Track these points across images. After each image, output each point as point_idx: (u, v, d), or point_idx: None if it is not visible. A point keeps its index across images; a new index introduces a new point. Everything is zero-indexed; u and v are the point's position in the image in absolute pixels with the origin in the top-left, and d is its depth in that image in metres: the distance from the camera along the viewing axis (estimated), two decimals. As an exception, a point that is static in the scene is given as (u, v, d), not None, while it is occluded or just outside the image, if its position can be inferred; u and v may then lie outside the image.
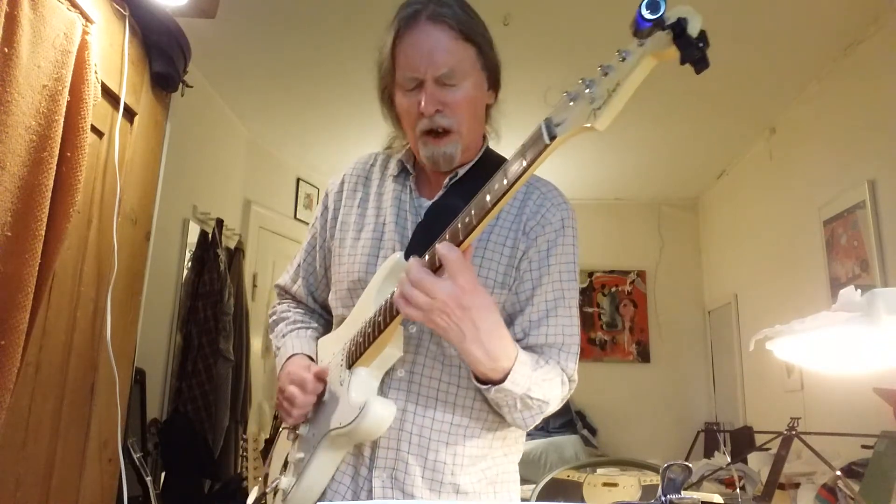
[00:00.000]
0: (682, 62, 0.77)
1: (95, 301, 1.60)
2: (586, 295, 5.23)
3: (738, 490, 2.35)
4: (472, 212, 0.95)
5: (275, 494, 1.23)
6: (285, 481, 1.20)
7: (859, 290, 1.08)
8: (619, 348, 5.17)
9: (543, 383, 1.08)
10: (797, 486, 2.66)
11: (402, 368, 1.14)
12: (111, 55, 1.61)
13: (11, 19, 1.20)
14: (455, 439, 1.13)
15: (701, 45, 0.76)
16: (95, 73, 1.47)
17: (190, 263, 3.44)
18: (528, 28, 3.02)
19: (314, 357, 1.27)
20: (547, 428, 4.42)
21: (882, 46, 2.86)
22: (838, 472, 2.15)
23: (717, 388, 4.91)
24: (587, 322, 5.13)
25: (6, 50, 1.19)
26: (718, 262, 4.96)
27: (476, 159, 1.21)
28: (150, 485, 2.25)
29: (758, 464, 3.07)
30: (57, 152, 1.31)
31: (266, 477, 1.33)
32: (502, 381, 1.01)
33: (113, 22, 1.63)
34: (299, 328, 1.33)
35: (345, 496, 1.14)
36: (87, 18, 1.45)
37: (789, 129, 3.74)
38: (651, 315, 5.23)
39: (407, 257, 1.09)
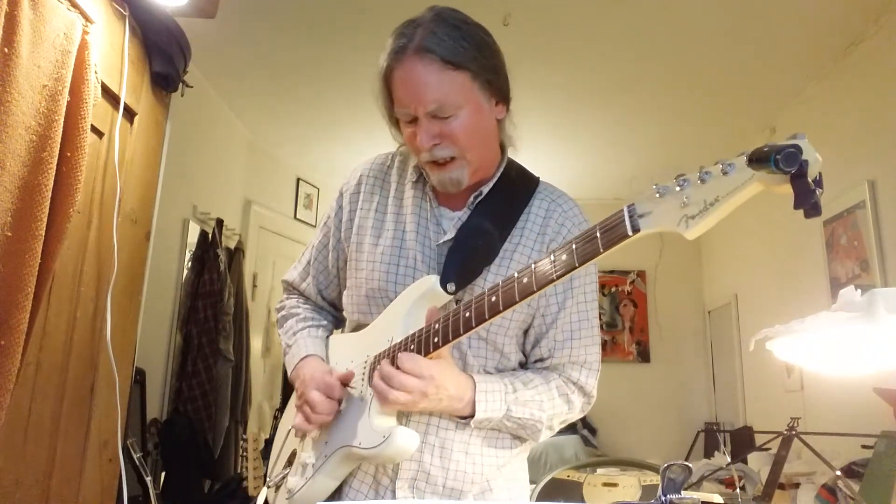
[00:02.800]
0: (796, 206, 0.72)
1: (95, 301, 1.60)
2: (586, 295, 5.23)
3: (738, 490, 2.35)
4: (534, 277, 0.94)
5: (277, 489, 1.23)
6: (293, 480, 1.20)
7: (859, 290, 1.07)
8: (619, 348, 5.17)
9: (529, 403, 1.14)
10: (797, 486, 2.66)
11: None
12: (111, 55, 1.61)
13: (11, 19, 1.20)
14: (475, 449, 1.16)
15: (818, 190, 0.72)
16: (95, 73, 1.46)
17: (190, 263, 3.44)
18: (528, 28, 3.02)
19: (325, 359, 1.27)
20: (547, 428, 4.42)
21: (882, 46, 2.86)
22: (838, 472, 2.15)
23: (717, 388, 4.91)
24: (587, 322, 5.13)
25: (6, 50, 1.19)
26: (718, 262, 4.96)
27: (498, 175, 1.22)
28: (150, 485, 2.25)
29: (758, 464, 3.07)
30: (57, 152, 1.31)
31: (266, 469, 1.33)
32: (473, 413, 1.10)
33: (113, 22, 1.63)
34: (310, 326, 1.33)
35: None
36: (87, 18, 1.45)
37: (789, 129, 3.71)
38: (651, 315, 5.23)
39: (443, 283, 1.10)
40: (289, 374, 1.28)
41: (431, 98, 1.08)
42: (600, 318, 1.26)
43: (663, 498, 0.77)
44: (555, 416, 1.17)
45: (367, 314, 1.22)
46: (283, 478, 1.23)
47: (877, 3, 2.77)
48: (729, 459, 3.22)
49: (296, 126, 4.17)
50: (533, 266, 0.94)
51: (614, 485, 2.74)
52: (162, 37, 1.79)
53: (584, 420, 4.80)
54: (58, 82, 1.32)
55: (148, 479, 2.24)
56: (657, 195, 0.84)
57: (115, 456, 1.66)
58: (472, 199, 1.20)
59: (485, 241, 1.15)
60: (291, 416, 1.30)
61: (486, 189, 1.20)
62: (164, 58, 1.81)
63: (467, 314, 1.01)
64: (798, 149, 0.72)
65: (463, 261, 1.14)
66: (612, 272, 5.29)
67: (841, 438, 2.44)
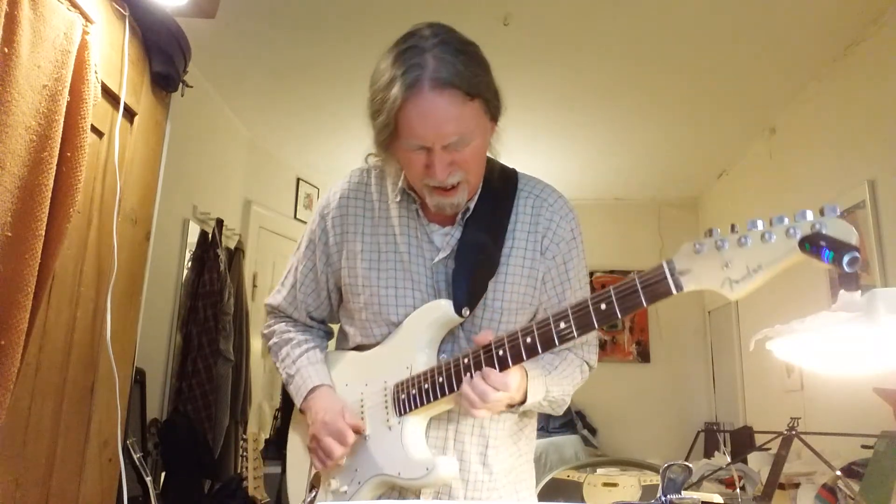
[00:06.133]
0: (840, 284, 0.80)
1: (95, 301, 1.60)
2: (586, 295, 5.22)
3: (738, 490, 2.35)
4: (573, 324, 0.99)
5: None
6: None
7: (859, 290, 1.07)
8: (619, 348, 5.16)
9: (561, 381, 1.23)
10: (797, 486, 2.66)
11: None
12: (111, 55, 1.61)
13: (11, 19, 1.20)
14: (489, 461, 1.22)
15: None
16: (95, 73, 1.46)
17: (190, 263, 3.44)
18: (528, 28, 3.01)
19: (331, 384, 1.28)
20: (547, 428, 4.42)
21: (882, 46, 2.86)
22: (838, 472, 2.15)
23: (717, 388, 4.91)
24: (587, 322, 5.12)
25: (6, 50, 1.19)
26: (718, 262, 4.95)
27: (481, 187, 1.22)
28: (150, 485, 2.25)
29: (758, 464, 3.07)
30: (57, 152, 1.31)
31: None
32: (524, 400, 1.15)
33: (113, 22, 1.63)
34: (308, 350, 1.32)
35: None
36: (87, 18, 1.45)
37: (789, 129, 3.74)
38: (651, 315, 5.22)
39: (457, 308, 1.15)
40: (297, 404, 1.28)
41: (453, 132, 1.06)
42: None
43: (663, 498, 0.77)
44: (574, 387, 1.27)
45: (370, 336, 1.24)
46: (312, 501, 1.24)
47: (877, 3, 2.77)
48: (729, 459, 3.22)
49: (296, 126, 4.17)
50: (570, 311, 0.99)
51: (614, 485, 2.74)
52: (162, 37, 1.79)
53: (584, 420, 4.80)
54: (58, 82, 1.32)
55: (148, 479, 2.24)
56: (695, 252, 0.87)
57: (115, 456, 1.66)
58: (460, 216, 1.21)
59: (483, 255, 1.19)
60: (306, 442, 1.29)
61: (472, 204, 1.21)
62: (164, 58, 1.81)
63: (500, 353, 1.06)
64: (857, 254, 0.73)
65: (469, 280, 1.17)
66: (611, 272, 5.28)
67: (841, 438, 2.44)
